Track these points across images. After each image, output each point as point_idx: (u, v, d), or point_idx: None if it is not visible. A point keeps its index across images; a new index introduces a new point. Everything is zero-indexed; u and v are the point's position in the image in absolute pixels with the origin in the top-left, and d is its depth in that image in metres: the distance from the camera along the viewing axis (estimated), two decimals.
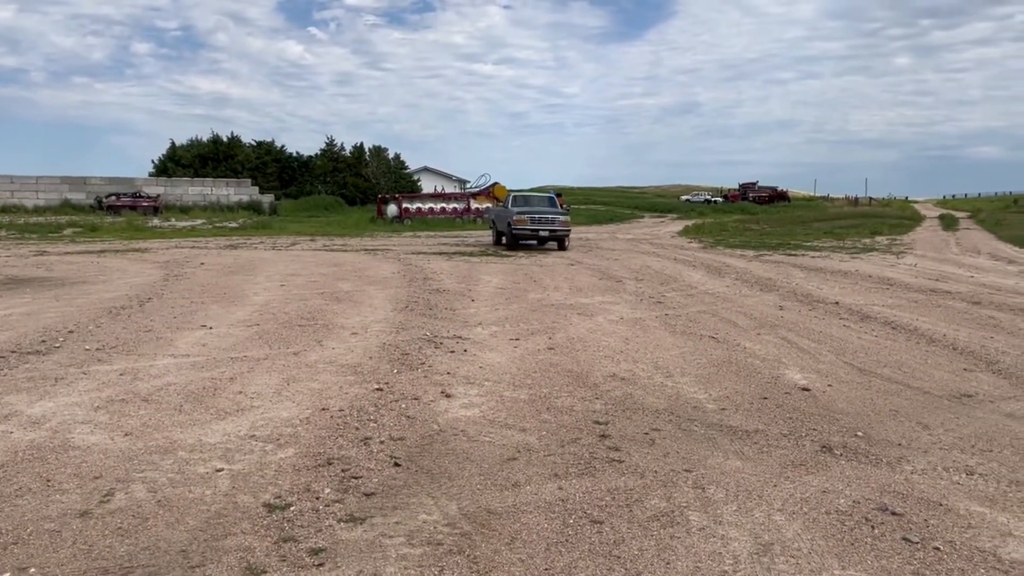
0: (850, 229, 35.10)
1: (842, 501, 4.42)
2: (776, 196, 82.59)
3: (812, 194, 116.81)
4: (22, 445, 5.14)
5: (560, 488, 4.53)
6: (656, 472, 4.83)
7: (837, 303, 12.30)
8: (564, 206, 60.89)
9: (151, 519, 4.05)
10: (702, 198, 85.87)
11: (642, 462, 5.00)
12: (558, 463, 4.96)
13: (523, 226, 23.73)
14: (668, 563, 3.64)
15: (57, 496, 4.32)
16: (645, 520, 4.11)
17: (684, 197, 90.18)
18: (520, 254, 22.37)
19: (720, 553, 3.75)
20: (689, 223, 45.02)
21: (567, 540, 3.86)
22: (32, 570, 3.48)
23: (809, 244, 26.56)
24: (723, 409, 6.28)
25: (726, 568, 3.60)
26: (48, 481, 4.53)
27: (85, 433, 5.42)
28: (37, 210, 47.32)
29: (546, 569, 3.56)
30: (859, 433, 5.70)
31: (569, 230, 24.58)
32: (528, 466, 4.91)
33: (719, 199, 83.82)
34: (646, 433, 5.61)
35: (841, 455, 5.22)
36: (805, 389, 6.93)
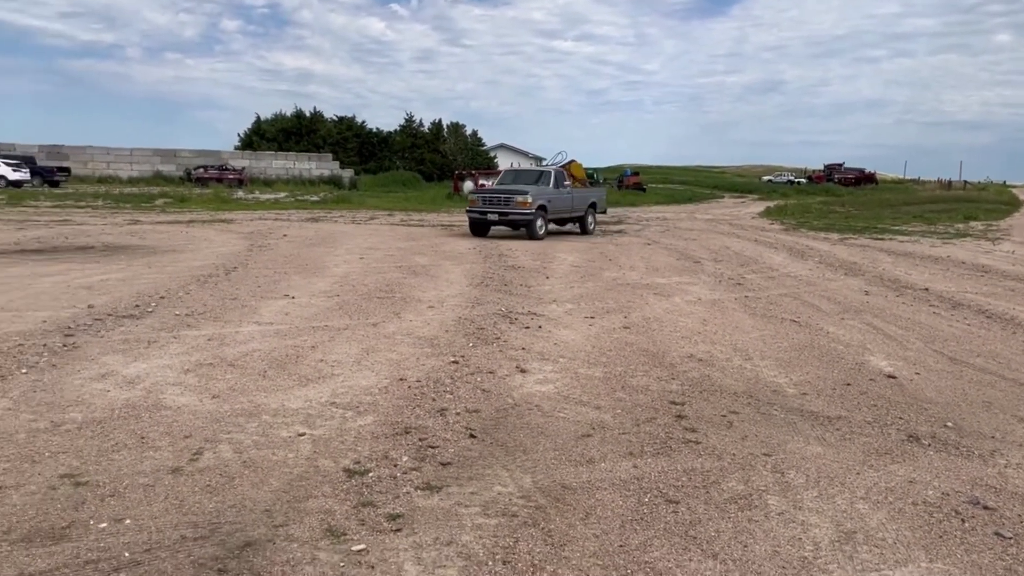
0: (942, 214, 33.63)
1: (930, 492, 4.26)
2: (863, 178, 79.73)
3: (901, 177, 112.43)
4: (118, 403, 5.39)
5: (635, 466, 4.51)
6: (734, 455, 4.75)
7: (927, 289, 11.83)
8: (642, 185, 59.89)
9: (237, 479, 4.19)
10: (785, 179, 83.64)
11: (719, 444, 4.93)
12: (633, 442, 4.93)
13: (474, 208, 19.85)
14: (746, 546, 3.58)
15: (150, 453, 4.51)
16: (722, 502, 4.05)
17: (766, 177, 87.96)
18: (596, 233, 22.20)
19: (800, 539, 3.67)
20: (771, 204, 43.90)
21: (642, 518, 3.84)
22: (128, 521, 3.65)
23: (897, 228, 25.59)
24: (804, 394, 6.13)
25: (806, 554, 3.52)
26: (142, 438, 4.74)
27: (176, 394, 5.65)
28: (131, 181, 49.33)
29: (620, 546, 3.55)
30: (949, 424, 5.48)
31: (533, 216, 18.97)
32: (603, 443, 4.89)
33: (802, 180, 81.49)
34: (724, 415, 5.52)
35: (929, 445, 5.03)
36: (891, 376, 6.70)
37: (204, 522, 3.66)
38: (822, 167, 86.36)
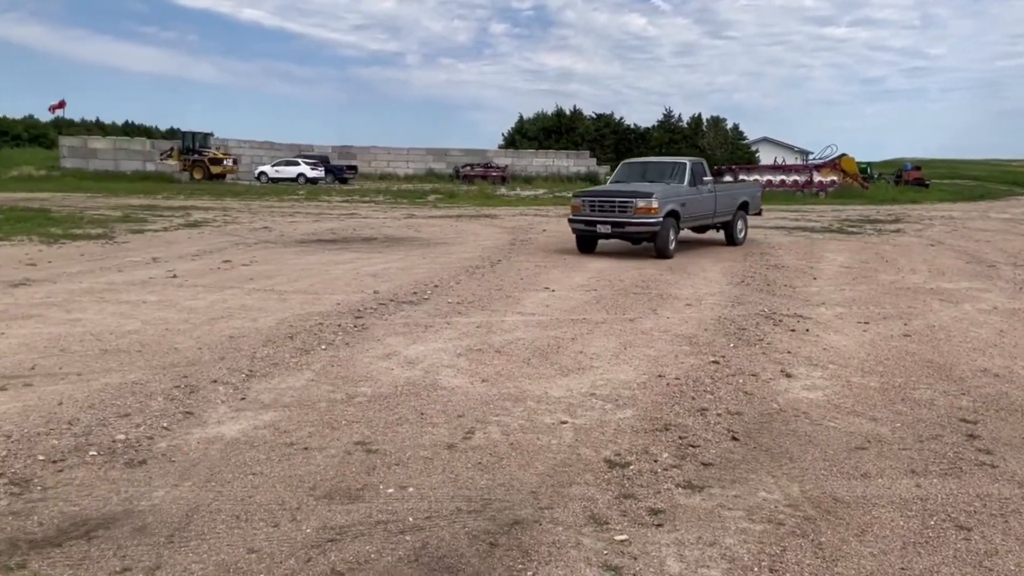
0: None
1: None
2: None
3: None
4: (400, 381, 5.90)
5: (918, 486, 4.14)
6: None
7: None
8: (924, 180, 54.68)
9: (505, 459, 4.42)
10: None
11: (1021, 470, 4.38)
12: (915, 459, 4.53)
13: (579, 216, 14.50)
14: None
15: (429, 428, 4.90)
16: None
17: None
18: (869, 231, 20.57)
19: None
20: None
21: (927, 542, 3.52)
22: (411, 489, 4.00)
23: None
24: None
25: None
26: (422, 414, 5.15)
27: (450, 376, 6.07)
28: (406, 178, 53.73)
29: (902, 568, 3.28)
30: None
31: (660, 226, 13.65)
32: (879, 458, 4.55)
33: None
34: None
35: None
36: None
37: (476, 497, 3.91)
38: None
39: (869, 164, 56.64)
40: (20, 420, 4.85)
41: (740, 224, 16.82)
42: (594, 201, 14.29)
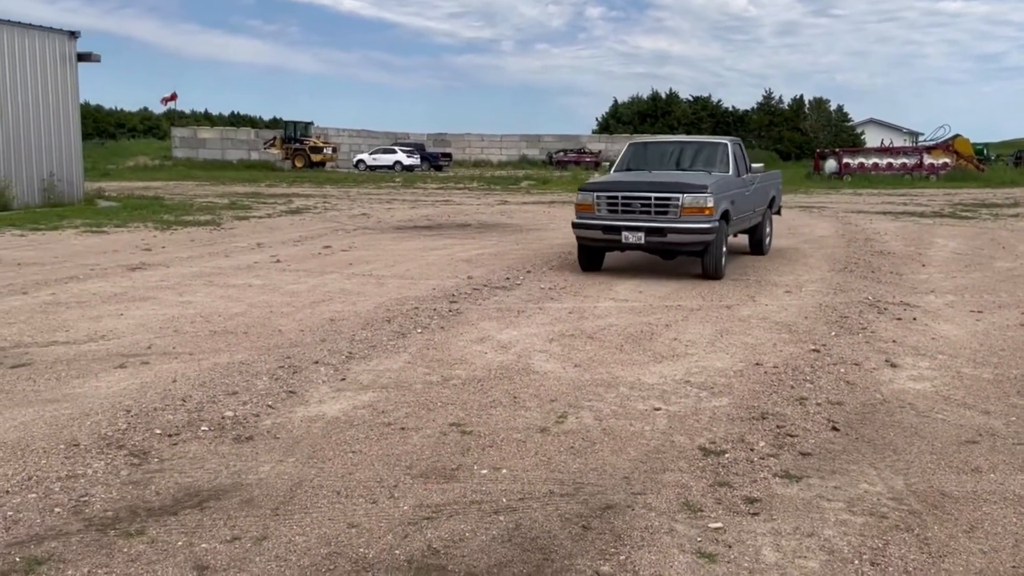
0: None
1: None
2: None
3: None
4: (494, 365, 5.98)
5: None
6: None
7: None
8: None
9: (597, 444, 4.43)
10: None
11: None
12: None
13: (590, 217, 10.13)
14: None
15: (522, 412, 4.95)
16: None
17: None
18: (984, 216, 19.47)
19: None
20: None
21: None
22: (504, 471, 4.05)
23: None
24: None
25: None
26: (515, 398, 5.21)
27: (542, 360, 6.11)
28: (500, 164, 54.11)
29: (1014, 567, 3.13)
30: None
31: (714, 232, 9.45)
32: (992, 452, 4.33)
33: None
34: None
35: None
36: None
37: (569, 480, 3.94)
38: None
39: (986, 145, 53.66)
40: (138, 396, 5.16)
41: (768, 227, 12.80)
42: (615, 197, 9.94)
